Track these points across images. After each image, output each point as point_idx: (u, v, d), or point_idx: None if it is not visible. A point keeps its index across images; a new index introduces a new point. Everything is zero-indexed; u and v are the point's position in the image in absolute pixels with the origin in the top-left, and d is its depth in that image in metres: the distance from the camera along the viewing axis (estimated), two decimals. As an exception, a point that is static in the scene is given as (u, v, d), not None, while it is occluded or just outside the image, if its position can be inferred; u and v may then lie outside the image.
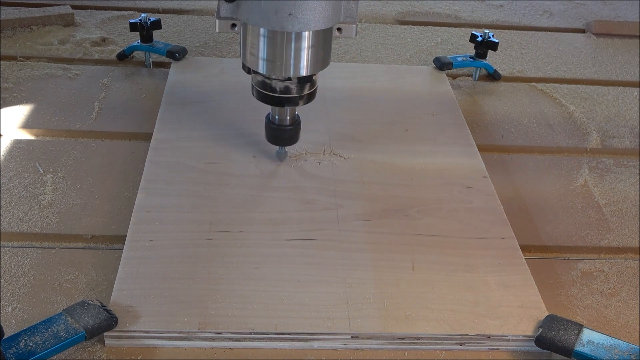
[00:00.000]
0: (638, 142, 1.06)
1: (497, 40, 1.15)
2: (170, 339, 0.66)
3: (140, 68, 1.15)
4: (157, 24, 1.13)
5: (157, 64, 1.16)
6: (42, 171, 0.89)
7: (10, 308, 0.69)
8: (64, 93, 1.06)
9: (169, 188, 0.83)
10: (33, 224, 0.80)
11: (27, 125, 0.97)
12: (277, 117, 0.84)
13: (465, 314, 0.69)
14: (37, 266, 0.75)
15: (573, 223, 0.88)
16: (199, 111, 0.98)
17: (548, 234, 0.86)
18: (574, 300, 0.77)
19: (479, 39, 1.16)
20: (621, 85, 1.23)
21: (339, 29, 0.76)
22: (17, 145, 0.94)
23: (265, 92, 0.79)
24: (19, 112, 1.00)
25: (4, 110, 1.01)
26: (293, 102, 0.79)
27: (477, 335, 0.68)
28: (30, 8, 1.27)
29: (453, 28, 1.40)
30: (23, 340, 0.61)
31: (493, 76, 1.20)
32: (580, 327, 0.67)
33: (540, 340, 0.67)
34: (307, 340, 0.67)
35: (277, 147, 0.88)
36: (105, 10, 1.35)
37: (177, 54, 1.10)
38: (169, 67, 1.10)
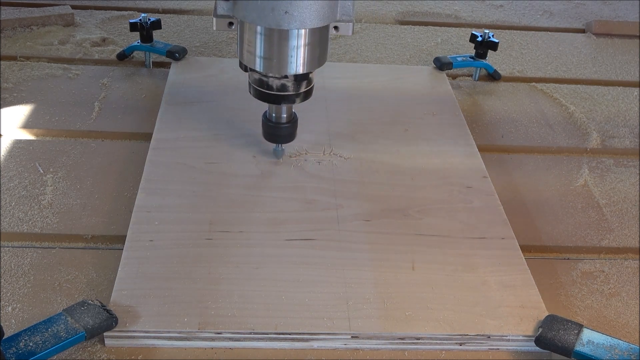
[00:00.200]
0: (638, 142, 1.06)
1: (497, 40, 1.15)
2: (170, 339, 0.66)
3: (140, 68, 1.15)
4: (157, 24, 1.13)
5: (157, 64, 1.16)
6: (42, 171, 0.89)
7: (10, 308, 0.69)
8: (64, 93, 1.06)
9: (169, 188, 0.83)
10: (33, 224, 0.80)
11: (27, 125, 0.97)
12: (274, 114, 0.84)
13: (465, 314, 0.69)
14: (37, 266, 0.75)
15: (573, 223, 0.88)
16: (199, 111, 0.98)
17: (548, 234, 0.86)
18: (574, 300, 0.77)
19: (479, 39, 1.16)
20: (621, 85, 1.23)
21: (335, 28, 0.76)
22: (17, 145, 0.94)
23: (262, 90, 0.79)
24: (19, 112, 1.00)
25: (4, 110, 1.01)
26: (290, 99, 0.80)
27: (477, 335, 0.68)
28: (30, 8, 1.28)
29: (453, 28, 1.40)
30: (23, 340, 0.61)
31: (493, 76, 1.20)
32: (580, 327, 0.67)
33: (540, 340, 0.67)
34: (307, 340, 0.67)
35: (274, 145, 0.88)
36: (105, 10, 1.35)
37: (177, 54, 1.10)
38: (169, 67, 1.10)
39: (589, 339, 0.66)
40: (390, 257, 0.76)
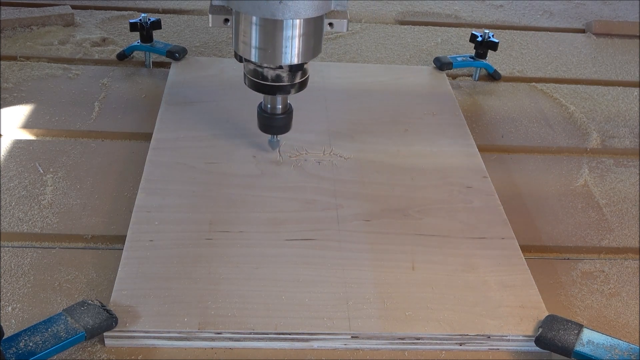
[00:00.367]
0: (638, 142, 1.06)
1: (497, 40, 1.15)
2: (170, 339, 0.66)
3: (140, 68, 1.15)
4: (157, 24, 1.13)
5: (157, 64, 1.16)
6: (42, 171, 0.89)
7: (10, 308, 0.69)
8: (64, 93, 1.06)
9: (169, 188, 0.83)
10: (33, 224, 0.80)
11: (27, 125, 0.97)
12: (269, 105, 0.84)
13: (465, 314, 0.69)
14: (37, 266, 0.75)
15: (573, 223, 0.88)
16: (199, 111, 0.98)
17: (548, 234, 0.86)
18: (574, 300, 0.77)
19: (479, 39, 1.16)
20: (621, 85, 1.23)
21: (330, 24, 0.76)
22: (17, 145, 0.94)
23: (257, 81, 0.79)
24: (19, 112, 1.00)
25: (4, 110, 1.01)
26: (285, 90, 0.80)
27: (477, 335, 0.68)
28: (30, 8, 1.28)
29: (453, 28, 1.40)
30: (23, 340, 0.61)
31: (493, 76, 1.20)
32: (580, 327, 0.67)
33: (540, 340, 0.67)
34: (307, 340, 0.67)
35: (269, 136, 0.88)
36: (105, 10, 1.35)
37: (177, 54, 1.10)
38: (169, 67, 1.10)
39: (589, 339, 0.66)
40: (390, 257, 0.76)
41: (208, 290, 0.70)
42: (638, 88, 1.23)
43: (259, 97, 0.85)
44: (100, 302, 0.66)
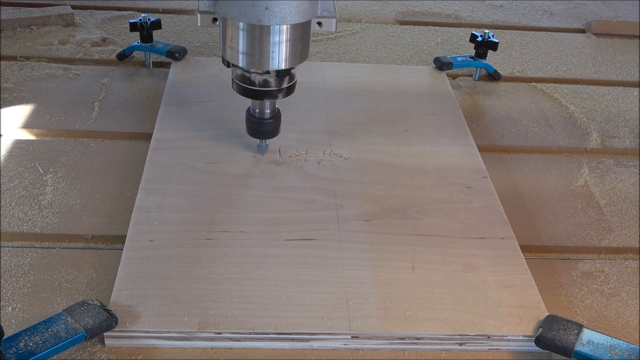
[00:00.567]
0: (638, 142, 1.06)
1: (497, 40, 1.15)
2: (170, 339, 0.66)
3: (140, 68, 1.15)
4: (157, 24, 1.13)
5: (157, 64, 1.16)
6: (42, 171, 0.89)
7: (10, 308, 0.69)
8: (64, 93, 1.06)
9: (169, 188, 0.83)
10: (33, 224, 0.80)
11: (27, 125, 0.97)
12: (257, 110, 0.84)
13: (465, 314, 0.69)
14: (37, 266, 0.75)
15: (573, 223, 0.88)
16: (199, 111, 0.98)
17: (548, 234, 0.86)
18: (574, 300, 0.77)
19: (479, 39, 1.16)
20: (621, 85, 1.23)
21: (319, 23, 0.76)
22: (17, 145, 0.94)
23: (245, 86, 0.80)
24: (19, 112, 1.00)
25: (4, 110, 1.01)
26: (272, 95, 0.80)
27: (477, 335, 0.68)
28: (30, 8, 1.27)
29: (453, 28, 1.40)
30: (23, 340, 0.61)
31: (493, 76, 1.20)
32: (580, 327, 0.67)
33: (540, 340, 0.67)
34: (307, 340, 0.67)
35: (257, 140, 0.89)
36: (105, 10, 1.35)
37: (177, 54, 1.10)
38: (169, 67, 1.10)
39: (589, 339, 0.66)
40: (390, 257, 0.76)
41: (208, 290, 0.70)
42: (638, 88, 1.23)
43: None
44: (100, 302, 0.66)
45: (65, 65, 1.13)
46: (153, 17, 1.13)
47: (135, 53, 1.17)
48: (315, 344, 0.67)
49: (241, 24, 0.73)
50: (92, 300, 0.66)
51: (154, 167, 0.86)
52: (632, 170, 1.00)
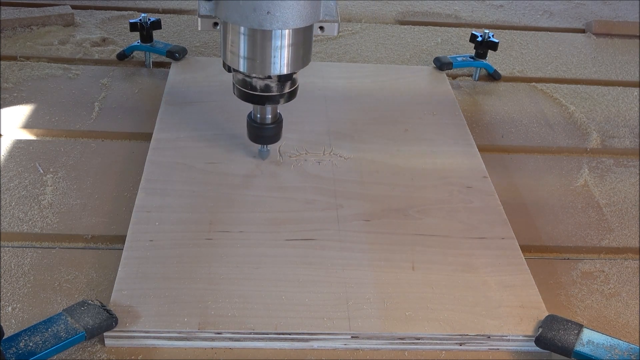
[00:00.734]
0: (638, 142, 1.06)
1: (497, 40, 1.15)
2: (170, 339, 0.66)
3: (140, 68, 1.15)
4: (157, 24, 1.13)
5: (157, 64, 1.16)
6: (42, 171, 0.89)
7: (10, 308, 0.69)
8: (64, 93, 1.06)
9: (169, 188, 0.83)
10: (33, 224, 0.80)
11: (27, 125, 0.97)
12: (258, 115, 0.84)
13: (465, 314, 0.69)
14: (37, 266, 0.75)
15: (573, 223, 0.88)
16: (199, 111, 0.98)
17: (548, 234, 0.86)
18: (574, 300, 0.77)
19: (479, 39, 1.16)
20: (621, 85, 1.23)
21: (321, 28, 0.76)
22: (17, 145, 0.94)
23: (246, 91, 0.79)
24: (19, 112, 1.00)
25: (4, 110, 1.01)
26: (274, 100, 0.80)
27: (477, 335, 0.68)
28: (30, 8, 1.28)
29: (453, 28, 1.40)
30: (23, 340, 0.61)
31: (493, 76, 1.20)
32: (580, 327, 0.67)
33: (540, 340, 0.67)
34: (307, 340, 0.67)
35: (259, 146, 0.88)
36: (105, 10, 1.35)
37: (177, 54, 1.10)
38: (169, 67, 1.10)
39: (589, 339, 0.66)
40: (390, 257, 0.76)
41: (208, 290, 0.70)
42: (638, 88, 1.23)
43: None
44: (100, 302, 0.66)
45: (65, 65, 1.13)
46: (153, 17, 1.13)
47: (135, 53, 1.17)
48: (315, 344, 0.67)
49: (242, 29, 0.73)
50: (92, 300, 0.66)
51: (154, 167, 0.86)
52: (632, 170, 1.00)
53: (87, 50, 1.19)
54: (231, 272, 0.72)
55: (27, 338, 0.61)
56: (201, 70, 1.09)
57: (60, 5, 1.30)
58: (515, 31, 1.42)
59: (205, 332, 0.65)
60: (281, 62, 0.75)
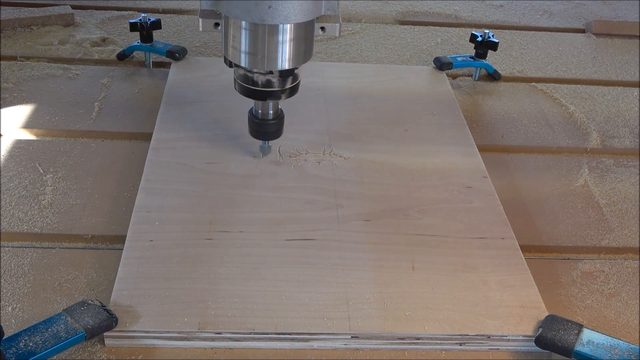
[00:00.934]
0: (638, 142, 1.06)
1: (497, 40, 1.15)
2: (170, 339, 0.66)
3: (140, 68, 1.15)
4: (157, 24, 1.13)
5: (157, 64, 1.16)
6: (42, 171, 0.89)
7: (10, 308, 0.69)
8: (64, 93, 1.06)
9: (169, 188, 0.83)
10: (33, 224, 0.80)
11: (27, 125, 0.97)
12: (260, 111, 0.84)
13: (465, 314, 0.69)
14: (37, 266, 0.75)
15: (573, 223, 0.88)
16: (199, 111, 0.98)
17: (548, 234, 0.86)
18: (574, 300, 0.77)
19: (479, 39, 1.16)
20: (621, 85, 1.23)
21: (322, 28, 0.76)
22: (17, 145, 0.94)
23: (248, 86, 0.79)
24: (19, 112, 1.00)
25: (4, 110, 1.01)
26: (275, 95, 0.79)
27: (477, 335, 0.68)
28: (30, 8, 1.27)
29: (453, 28, 1.40)
30: (23, 340, 0.61)
31: (493, 76, 1.20)
32: (580, 327, 0.67)
33: (540, 340, 0.67)
34: (307, 340, 0.67)
35: (259, 143, 0.88)
36: (105, 10, 1.35)
37: (177, 54, 1.10)
38: (169, 67, 1.10)
39: (589, 339, 0.66)
40: (390, 257, 0.76)
41: (208, 290, 0.70)
42: (638, 88, 1.23)
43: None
44: (100, 302, 0.66)
45: (65, 65, 1.13)
46: (153, 17, 1.13)
47: (135, 53, 1.17)
48: (315, 344, 0.67)
49: (244, 23, 0.73)
50: (92, 300, 0.66)
51: (154, 167, 0.86)
52: (632, 170, 1.00)
53: (87, 50, 1.19)
54: (231, 272, 0.72)
55: (27, 338, 0.61)
56: (201, 70, 1.09)
57: (60, 5, 1.30)
58: (515, 31, 1.42)
59: (205, 332, 0.65)
60: (283, 57, 0.75)
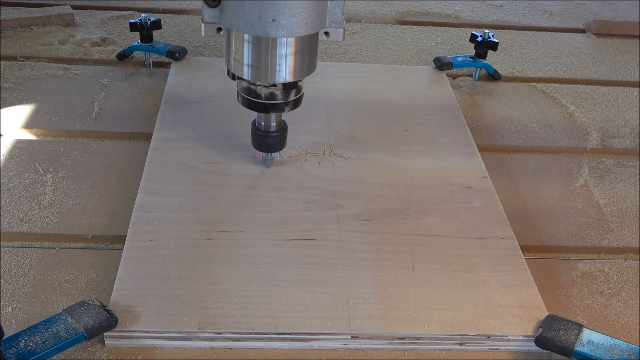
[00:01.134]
0: (638, 142, 1.06)
1: (497, 40, 1.15)
2: (170, 339, 0.66)
3: (140, 68, 1.15)
4: (157, 24, 1.13)
5: (157, 64, 1.16)
6: (42, 171, 0.89)
7: (10, 308, 0.69)
8: (64, 93, 1.06)
9: (169, 188, 0.83)
10: (33, 224, 0.80)
11: (27, 125, 0.97)
12: (262, 123, 0.83)
13: (465, 314, 0.69)
14: (37, 266, 0.75)
15: (573, 223, 0.88)
16: (199, 111, 0.98)
17: (548, 234, 0.86)
18: (574, 300, 0.77)
19: (479, 39, 1.16)
20: (621, 85, 1.23)
21: (326, 33, 0.75)
22: (17, 145, 0.94)
23: (251, 99, 0.78)
24: (19, 112, 1.00)
25: (4, 110, 1.01)
26: (278, 108, 0.79)
27: (477, 335, 0.68)
28: (30, 8, 1.28)
29: (453, 28, 1.40)
30: (23, 340, 0.61)
31: (493, 76, 1.20)
32: (580, 327, 0.67)
33: (540, 340, 0.67)
34: (307, 340, 0.67)
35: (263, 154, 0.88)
36: (105, 10, 1.35)
37: (177, 54, 1.10)
38: (169, 67, 1.10)
39: (589, 339, 0.66)
40: (390, 257, 0.76)
41: (208, 290, 0.70)
42: (638, 88, 1.23)
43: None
44: (100, 302, 0.66)
45: (65, 65, 1.13)
46: (153, 17, 1.13)
47: (135, 53, 1.17)
48: (315, 344, 0.67)
49: (247, 36, 0.72)
50: (92, 300, 0.66)
51: (154, 167, 0.86)
52: (632, 170, 1.00)
53: (87, 50, 1.19)
54: (231, 272, 0.72)
55: (27, 338, 0.61)
56: (201, 70, 1.09)
57: (60, 5, 1.30)
58: (515, 31, 1.42)
59: (205, 332, 0.65)
60: (286, 69, 0.74)
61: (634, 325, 0.74)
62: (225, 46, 0.76)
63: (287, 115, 0.87)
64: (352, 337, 0.67)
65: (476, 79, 1.20)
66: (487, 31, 1.16)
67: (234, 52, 0.74)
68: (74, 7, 1.32)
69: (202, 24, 0.74)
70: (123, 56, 1.16)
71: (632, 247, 0.85)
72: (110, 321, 0.64)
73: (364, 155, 0.92)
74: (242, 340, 0.66)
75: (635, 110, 1.15)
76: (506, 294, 0.72)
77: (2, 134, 0.96)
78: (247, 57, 0.74)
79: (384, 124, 0.99)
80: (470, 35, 1.18)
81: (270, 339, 0.66)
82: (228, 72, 0.78)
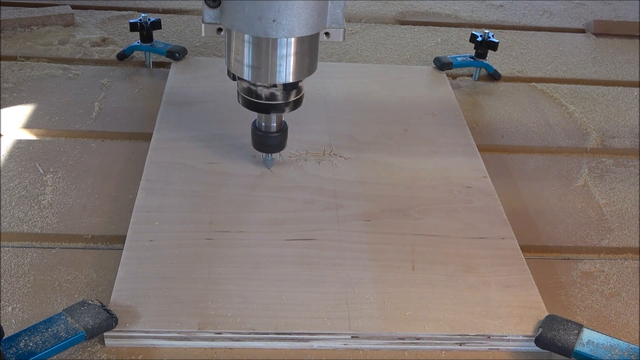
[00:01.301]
0: (638, 142, 1.06)
1: (497, 40, 1.15)
2: (170, 339, 0.66)
3: (140, 68, 1.15)
4: (157, 24, 1.13)
5: (157, 64, 1.16)
6: (42, 171, 0.89)
7: (10, 308, 0.69)
8: (64, 93, 1.06)
9: (169, 188, 0.83)
10: (33, 224, 0.80)
11: (27, 125, 0.97)
12: (263, 123, 0.83)
13: (465, 314, 0.69)
14: (37, 266, 0.75)
15: (573, 223, 0.88)
16: (199, 111, 0.98)
17: (548, 234, 0.86)
18: (574, 300, 0.77)
19: (479, 39, 1.16)
20: (621, 85, 1.23)
21: (326, 33, 0.75)
22: (17, 145, 0.94)
23: (251, 99, 0.78)
24: (19, 112, 1.00)
25: (4, 110, 1.01)
26: (279, 109, 0.79)
27: (477, 335, 0.68)
28: (30, 8, 1.28)
29: (453, 28, 1.40)
30: (23, 340, 0.61)
31: (493, 76, 1.20)
32: (580, 327, 0.67)
33: (540, 340, 0.67)
34: (307, 340, 0.67)
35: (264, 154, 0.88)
36: (105, 10, 1.35)
37: (177, 54, 1.10)
38: (169, 67, 1.10)
39: (589, 339, 0.66)
40: (390, 257, 0.76)
41: (208, 290, 0.70)
42: (638, 88, 1.23)
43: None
44: (100, 302, 0.66)
45: (65, 65, 1.14)
46: (153, 17, 1.13)
47: (135, 53, 1.17)
48: (315, 344, 0.67)
49: (248, 37, 0.72)
50: (92, 300, 0.66)
51: (154, 167, 0.86)
52: (632, 170, 1.00)
53: (87, 50, 1.19)
54: (231, 272, 0.72)
55: (27, 338, 0.61)
56: (201, 70, 1.09)
57: (60, 5, 1.30)
58: (515, 31, 1.42)
59: (205, 332, 0.65)
60: (287, 70, 0.74)
61: (634, 325, 0.74)
62: (226, 47, 0.76)
63: (287, 116, 0.87)
64: (352, 337, 0.67)
65: (476, 79, 1.20)
66: (487, 31, 1.16)
67: (235, 52, 0.74)
68: (74, 7, 1.32)
69: (203, 25, 0.73)
70: (123, 56, 1.16)
71: (632, 247, 0.85)
72: (110, 321, 0.64)
73: (364, 155, 0.92)
74: (242, 340, 0.66)
75: (635, 110, 1.15)
76: (506, 294, 0.72)
77: (2, 134, 0.96)
78: (247, 58, 0.74)
79: (384, 124, 0.99)
80: (470, 35, 1.18)
81: (270, 339, 0.66)
82: (228, 72, 0.78)
